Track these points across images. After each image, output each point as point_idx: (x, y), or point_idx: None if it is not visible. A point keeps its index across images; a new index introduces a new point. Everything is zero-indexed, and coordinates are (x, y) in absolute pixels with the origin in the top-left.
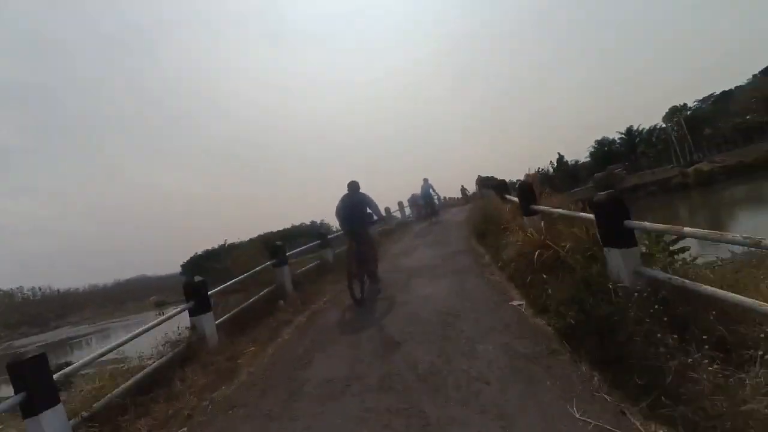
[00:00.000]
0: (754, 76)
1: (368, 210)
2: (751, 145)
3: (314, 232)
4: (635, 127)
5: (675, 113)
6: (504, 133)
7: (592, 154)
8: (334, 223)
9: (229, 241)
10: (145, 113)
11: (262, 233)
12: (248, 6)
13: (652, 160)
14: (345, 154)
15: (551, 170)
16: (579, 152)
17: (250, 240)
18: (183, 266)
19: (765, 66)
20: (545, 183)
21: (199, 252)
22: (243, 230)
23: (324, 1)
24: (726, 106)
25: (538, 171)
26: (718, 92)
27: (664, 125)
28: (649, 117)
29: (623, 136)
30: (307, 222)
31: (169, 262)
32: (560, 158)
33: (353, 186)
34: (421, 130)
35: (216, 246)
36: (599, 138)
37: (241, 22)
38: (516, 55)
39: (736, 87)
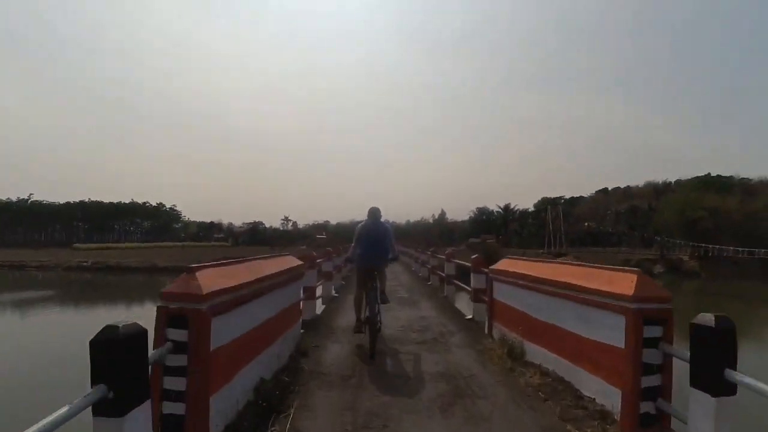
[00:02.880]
0: (597, 191)
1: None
2: (609, 248)
3: None
4: (512, 206)
5: (547, 204)
6: (387, 171)
7: (471, 219)
8: None
9: None
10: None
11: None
12: None
13: (522, 239)
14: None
15: (431, 222)
16: (458, 212)
17: None
18: None
19: (602, 187)
20: (425, 234)
21: None
22: None
23: None
24: (573, 209)
25: (421, 220)
26: (567, 196)
27: (532, 209)
28: (518, 198)
29: (500, 210)
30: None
31: None
32: (442, 214)
33: (376, 213)
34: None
35: None
36: (481, 206)
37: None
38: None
39: (581, 196)
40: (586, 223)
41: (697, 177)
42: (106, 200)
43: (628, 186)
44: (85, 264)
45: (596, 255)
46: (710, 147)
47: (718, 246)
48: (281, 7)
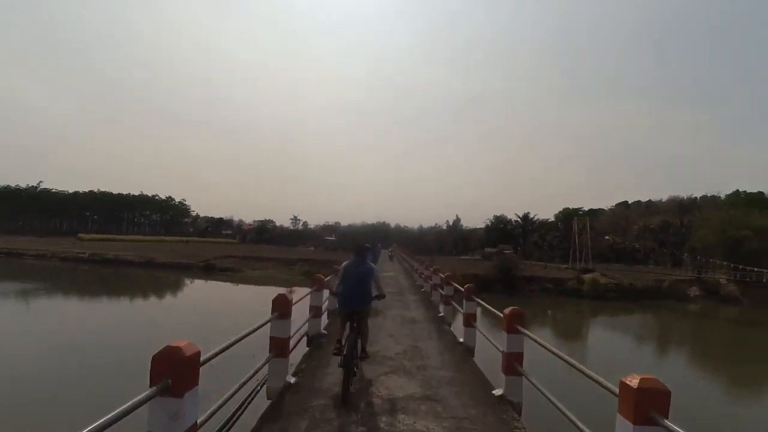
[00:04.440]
0: (617, 205)
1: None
2: (635, 266)
3: None
4: (531, 216)
5: (569, 215)
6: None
7: (488, 228)
8: None
9: None
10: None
11: None
12: None
13: (543, 252)
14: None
15: (445, 229)
16: (474, 220)
17: None
18: None
19: (622, 200)
20: (438, 242)
21: None
22: None
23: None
24: (592, 222)
25: (435, 226)
26: (586, 208)
27: (552, 220)
28: (535, 208)
29: (519, 220)
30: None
31: None
32: (457, 221)
33: (364, 252)
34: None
35: None
36: (498, 214)
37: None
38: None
39: (600, 209)
40: (606, 237)
41: (738, 193)
42: (116, 191)
43: (650, 200)
44: (82, 255)
45: (624, 273)
46: (735, 161)
47: (765, 270)
48: (302, 14)
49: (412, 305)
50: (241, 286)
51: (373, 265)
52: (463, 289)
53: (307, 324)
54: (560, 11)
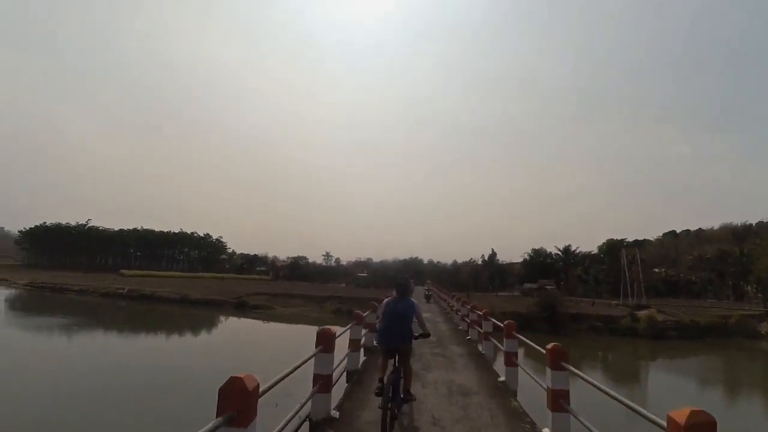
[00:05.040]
0: (664, 234)
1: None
2: (693, 300)
3: None
4: (572, 248)
5: (613, 246)
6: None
7: (526, 261)
8: None
9: None
10: None
11: None
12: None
13: (588, 287)
14: None
15: (480, 264)
16: (511, 253)
17: None
18: None
19: (669, 230)
20: (473, 276)
21: None
22: None
23: None
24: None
25: (470, 261)
26: (630, 239)
27: (595, 252)
28: (573, 240)
29: (559, 252)
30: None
31: None
32: (492, 255)
33: (404, 288)
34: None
35: None
36: (537, 247)
37: None
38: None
39: (645, 239)
40: (655, 270)
41: None
42: (157, 229)
43: (701, 228)
44: (121, 291)
45: (683, 309)
46: None
47: None
48: (325, 52)
49: (458, 362)
50: (271, 323)
51: (414, 301)
52: (503, 326)
53: (346, 359)
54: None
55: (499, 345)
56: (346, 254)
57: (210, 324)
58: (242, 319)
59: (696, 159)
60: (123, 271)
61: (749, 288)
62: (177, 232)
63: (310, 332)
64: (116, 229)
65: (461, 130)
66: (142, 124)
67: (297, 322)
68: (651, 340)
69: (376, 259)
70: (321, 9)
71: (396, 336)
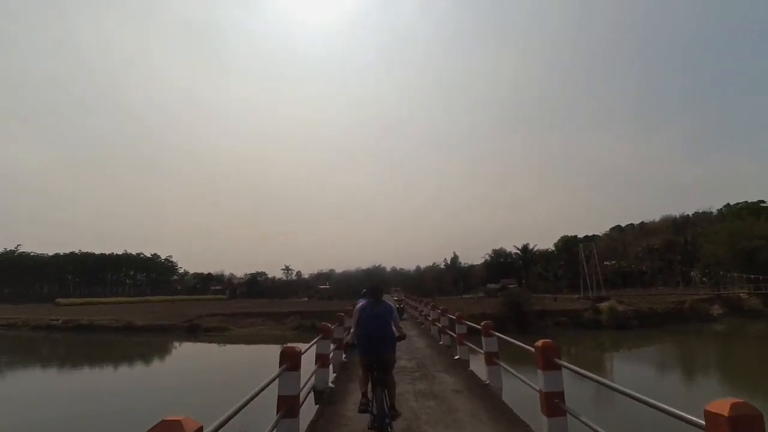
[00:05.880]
0: (611, 229)
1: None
2: (646, 289)
3: None
4: (530, 246)
5: (568, 243)
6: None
7: (487, 263)
8: None
9: None
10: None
11: None
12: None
13: (548, 283)
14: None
15: (443, 267)
16: (472, 255)
17: None
18: None
19: (616, 224)
20: (438, 281)
21: None
22: None
23: None
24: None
25: (433, 266)
26: (581, 235)
27: (552, 249)
28: (530, 238)
29: (519, 252)
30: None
31: None
32: (455, 258)
33: (380, 291)
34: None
35: None
36: (497, 248)
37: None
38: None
39: (594, 234)
40: (606, 263)
41: (731, 206)
42: (98, 251)
43: (643, 222)
44: (55, 323)
45: (639, 298)
46: (717, 176)
47: None
48: (287, 62)
49: (457, 405)
50: (227, 346)
51: (390, 303)
52: (480, 327)
53: (314, 377)
54: (539, 52)
55: (475, 348)
56: (308, 267)
57: (155, 352)
58: (195, 343)
59: (633, 158)
60: (59, 300)
61: (695, 274)
62: (120, 254)
63: (269, 352)
64: (51, 254)
65: (424, 140)
66: (76, 142)
67: (256, 342)
68: (615, 331)
69: (339, 269)
70: (273, 23)
71: (378, 344)
